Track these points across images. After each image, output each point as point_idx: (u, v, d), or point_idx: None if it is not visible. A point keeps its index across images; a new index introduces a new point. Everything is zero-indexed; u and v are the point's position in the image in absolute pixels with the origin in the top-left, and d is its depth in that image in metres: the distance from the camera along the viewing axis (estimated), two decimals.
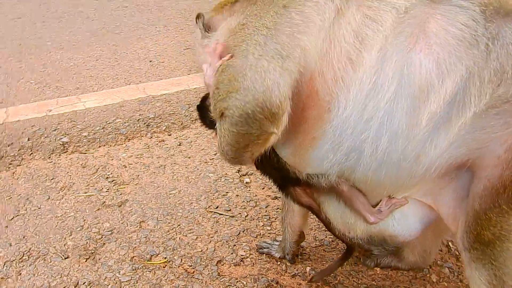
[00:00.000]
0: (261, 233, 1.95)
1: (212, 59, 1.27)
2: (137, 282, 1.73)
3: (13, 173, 2.42)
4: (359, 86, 1.09)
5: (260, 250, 1.83)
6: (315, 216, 1.47)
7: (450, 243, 1.82)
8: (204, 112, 1.54)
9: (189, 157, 2.49)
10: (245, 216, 2.06)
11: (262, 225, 2.01)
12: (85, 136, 2.68)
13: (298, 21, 1.14)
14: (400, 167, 1.11)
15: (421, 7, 1.09)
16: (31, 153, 2.56)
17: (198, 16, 1.41)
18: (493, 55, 1.01)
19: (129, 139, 2.67)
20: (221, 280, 1.72)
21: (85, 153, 2.56)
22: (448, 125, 1.04)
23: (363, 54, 1.08)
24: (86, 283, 1.74)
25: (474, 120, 1.02)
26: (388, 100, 1.06)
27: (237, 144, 1.22)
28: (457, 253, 1.77)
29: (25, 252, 1.91)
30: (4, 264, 1.86)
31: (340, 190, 1.23)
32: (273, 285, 1.70)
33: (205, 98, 1.57)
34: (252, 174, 2.33)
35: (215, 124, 1.31)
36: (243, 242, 1.90)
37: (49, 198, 2.23)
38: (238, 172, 2.35)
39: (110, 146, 2.61)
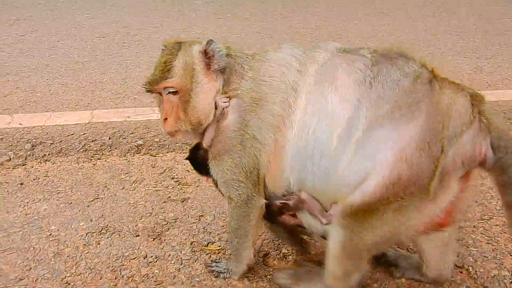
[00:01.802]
0: None
1: None
2: (195, 261, 2.04)
3: (94, 164, 2.83)
4: (295, 123, 1.45)
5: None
6: None
7: (470, 268, 2.04)
8: (197, 162, 1.80)
9: None
10: None
11: None
12: (157, 141, 3.07)
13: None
14: (329, 177, 1.43)
15: (334, 58, 1.48)
16: (110, 150, 2.97)
17: None
18: (373, 89, 1.37)
19: None
20: (266, 269, 2.00)
21: (155, 156, 2.95)
22: (348, 139, 1.37)
23: (296, 98, 1.46)
24: (153, 256, 2.07)
25: (366, 131, 1.36)
26: (315, 126, 1.41)
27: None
28: (476, 276, 1.98)
29: (103, 227, 2.27)
30: (86, 234, 2.22)
31: (303, 201, 1.53)
32: None
33: (194, 149, 1.81)
34: None
35: (210, 171, 1.66)
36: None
37: (123, 188, 2.61)
38: None
39: (177, 152, 2.98)
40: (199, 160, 1.78)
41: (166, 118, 1.59)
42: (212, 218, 2.36)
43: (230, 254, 1.92)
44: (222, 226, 2.30)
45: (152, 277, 1.97)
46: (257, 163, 1.51)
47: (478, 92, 1.46)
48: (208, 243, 2.18)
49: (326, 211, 1.53)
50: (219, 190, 1.75)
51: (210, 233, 2.25)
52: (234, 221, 1.67)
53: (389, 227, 1.43)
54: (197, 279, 1.94)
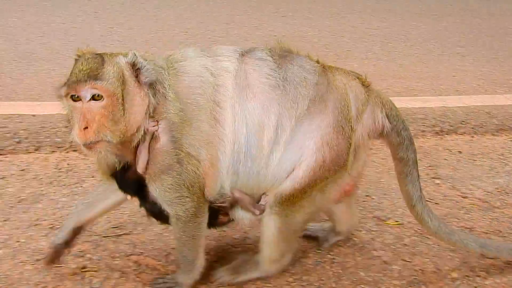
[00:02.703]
0: None
1: None
2: (382, 234, 2.14)
3: None
4: (224, 136, 1.52)
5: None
6: None
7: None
8: (123, 181, 1.66)
9: None
10: None
11: None
12: None
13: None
14: (261, 176, 1.55)
15: (242, 66, 1.54)
16: None
17: None
18: (288, 91, 1.50)
19: None
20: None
21: None
22: (277, 142, 1.50)
23: (222, 112, 1.51)
24: None
25: (292, 131, 1.49)
26: (244, 138, 1.51)
27: None
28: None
29: None
30: None
31: (235, 198, 1.62)
32: None
33: (122, 169, 1.64)
34: None
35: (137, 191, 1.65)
36: None
37: None
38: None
39: None
40: (126, 179, 1.67)
41: (87, 127, 1.42)
42: (378, 198, 2.43)
43: (178, 268, 1.80)
44: (390, 205, 2.37)
45: None
46: (197, 177, 1.53)
47: (359, 73, 1.66)
48: (387, 218, 2.25)
49: (258, 203, 1.65)
50: (148, 214, 1.74)
51: (382, 210, 2.31)
52: (185, 235, 1.63)
53: (316, 204, 1.62)
54: None
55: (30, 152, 2.66)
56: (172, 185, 1.51)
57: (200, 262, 1.71)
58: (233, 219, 1.71)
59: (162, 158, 1.49)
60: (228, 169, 1.54)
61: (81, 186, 2.37)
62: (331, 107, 1.49)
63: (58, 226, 2.02)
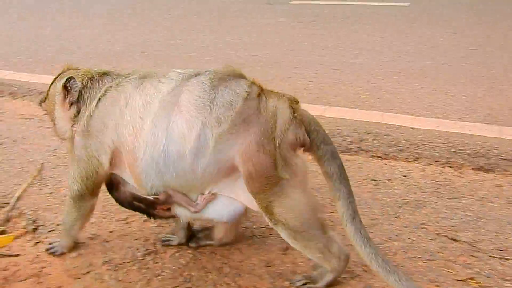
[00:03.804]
0: None
1: None
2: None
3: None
4: (146, 143, 1.70)
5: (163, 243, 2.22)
6: None
7: None
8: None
9: None
10: None
11: None
12: None
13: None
14: (189, 179, 1.71)
15: (179, 87, 1.70)
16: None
17: None
18: (214, 109, 1.63)
19: None
20: None
21: None
22: (201, 153, 1.64)
23: (143, 123, 1.71)
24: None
25: (215, 146, 1.63)
26: (162, 144, 1.67)
27: None
28: None
29: None
30: None
31: (170, 196, 1.80)
32: None
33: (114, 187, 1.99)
34: None
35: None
36: None
37: None
38: None
39: None
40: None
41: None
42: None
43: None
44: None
45: None
46: (95, 175, 1.87)
47: (293, 96, 1.76)
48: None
49: (195, 202, 1.80)
50: (123, 206, 2.04)
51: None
52: (67, 208, 2.03)
53: (291, 205, 1.68)
54: None
55: (409, 161, 2.94)
56: (74, 166, 1.89)
57: (74, 234, 2.13)
58: (174, 215, 1.91)
59: (76, 148, 1.87)
60: (151, 172, 1.73)
61: (460, 202, 2.50)
62: (254, 128, 1.63)
63: (445, 235, 2.22)
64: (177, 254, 2.14)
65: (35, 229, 2.33)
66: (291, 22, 7.32)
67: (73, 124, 1.87)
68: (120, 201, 2.00)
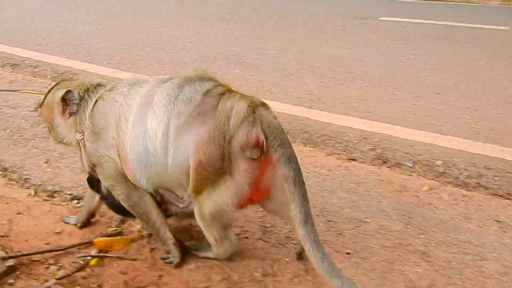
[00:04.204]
0: None
1: None
2: None
3: None
4: (131, 143, 1.84)
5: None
6: None
7: None
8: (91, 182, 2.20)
9: None
10: None
11: None
12: None
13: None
14: (167, 175, 1.84)
15: (154, 88, 1.87)
16: None
17: None
18: (176, 104, 1.79)
19: None
20: None
21: None
22: (167, 147, 1.78)
23: (127, 124, 1.85)
24: None
25: (174, 138, 1.78)
26: (142, 142, 1.81)
27: None
28: None
29: None
30: None
31: (161, 194, 1.95)
32: None
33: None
34: None
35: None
36: None
37: None
38: None
39: None
40: (92, 181, 2.18)
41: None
42: None
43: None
44: None
45: None
46: (116, 171, 1.92)
47: (262, 100, 1.88)
48: None
49: (181, 198, 1.93)
50: (108, 207, 2.24)
51: None
52: (133, 212, 2.03)
53: (215, 199, 1.80)
54: None
55: None
56: (102, 176, 1.98)
57: (167, 235, 2.10)
58: (172, 213, 2.04)
59: (91, 157, 1.97)
60: (137, 169, 1.86)
61: None
62: (208, 122, 1.74)
63: None
64: (295, 279, 2.06)
65: (150, 235, 2.33)
66: (383, 39, 7.12)
67: (76, 132, 2.01)
68: (113, 205, 2.14)
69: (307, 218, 1.72)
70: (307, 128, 3.61)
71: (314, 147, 3.44)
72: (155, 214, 2.00)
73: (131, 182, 1.92)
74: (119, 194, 1.96)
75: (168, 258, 2.13)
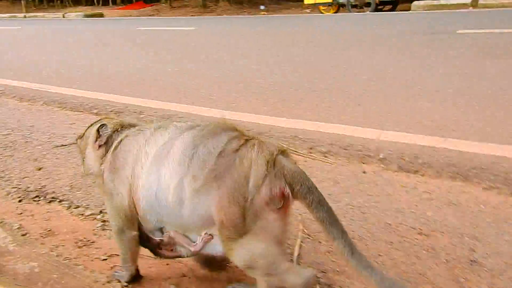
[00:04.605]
0: None
1: None
2: None
3: None
4: (144, 188, 1.91)
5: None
6: None
7: None
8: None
9: None
10: None
11: None
12: None
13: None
14: (180, 223, 1.89)
15: (171, 140, 1.91)
16: None
17: None
18: (191, 166, 1.80)
19: None
20: None
21: None
22: (182, 203, 1.81)
23: (142, 171, 1.92)
24: None
25: (192, 199, 1.80)
26: (154, 192, 1.87)
27: None
28: None
29: None
30: None
31: (172, 238, 1.96)
32: None
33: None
34: None
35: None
36: None
37: None
38: None
39: None
40: None
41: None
42: None
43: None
44: None
45: None
46: (123, 208, 1.98)
47: (281, 147, 1.84)
48: None
49: (193, 242, 1.92)
50: None
51: None
52: (117, 243, 2.14)
53: (254, 250, 1.77)
54: None
55: None
56: (108, 206, 2.06)
57: (129, 266, 2.19)
58: (179, 255, 2.01)
59: (104, 188, 2.05)
60: (150, 213, 1.92)
61: None
62: (225, 184, 1.74)
63: None
64: None
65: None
66: (464, 53, 6.69)
67: (101, 163, 2.11)
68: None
69: (352, 249, 1.75)
70: (451, 161, 3.27)
71: (466, 181, 3.09)
72: (132, 255, 2.17)
73: (130, 222, 2.04)
74: (114, 225, 2.07)
75: (118, 274, 2.29)
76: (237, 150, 1.79)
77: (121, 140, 2.05)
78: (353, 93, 5.21)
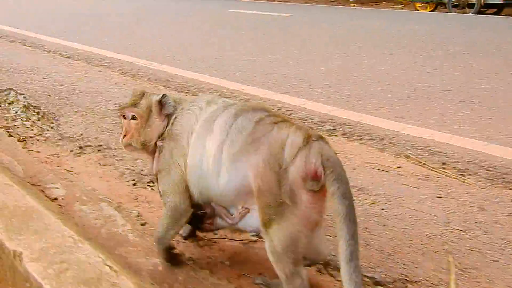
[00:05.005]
0: None
1: None
2: None
3: None
4: (191, 156, 1.97)
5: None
6: None
7: None
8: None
9: None
10: None
11: None
12: None
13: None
14: (218, 194, 1.92)
15: (216, 111, 1.99)
16: None
17: None
18: (230, 133, 1.88)
19: None
20: None
21: None
22: (221, 171, 1.86)
23: (192, 137, 2.00)
24: None
25: (230, 164, 1.85)
26: (199, 158, 1.93)
27: None
28: None
29: None
30: None
31: (213, 208, 2.02)
32: None
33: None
34: None
35: None
36: None
37: None
38: None
39: None
40: None
41: (126, 135, 2.16)
42: None
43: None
44: None
45: None
46: (181, 180, 1.99)
47: (320, 133, 1.86)
48: None
49: (231, 214, 1.97)
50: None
51: None
52: (163, 219, 2.08)
53: (286, 231, 1.77)
54: None
55: None
56: (162, 180, 2.06)
57: (166, 242, 2.13)
58: (218, 228, 2.08)
59: (161, 162, 2.07)
60: (194, 182, 1.96)
61: None
62: (262, 149, 1.79)
63: None
64: None
65: None
66: None
67: (162, 133, 2.11)
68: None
69: (352, 258, 1.68)
70: None
71: None
72: (176, 230, 2.13)
73: (185, 196, 2.02)
74: (169, 202, 2.04)
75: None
76: (275, 122, 1.87)
77: (179, 112, 2.10)
78: (492, 106, 4.68)
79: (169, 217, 2.05)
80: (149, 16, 12.45)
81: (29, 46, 7.64)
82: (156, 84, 5.36)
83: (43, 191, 2.89)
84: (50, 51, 7.27)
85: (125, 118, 2.19)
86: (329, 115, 4.29)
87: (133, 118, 2.15)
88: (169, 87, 5.23)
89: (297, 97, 4.84)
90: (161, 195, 2.12)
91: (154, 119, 2.13)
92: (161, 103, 2.12)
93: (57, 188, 2.92)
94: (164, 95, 2.13)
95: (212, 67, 6.21)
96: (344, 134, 3.85)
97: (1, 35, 8.61)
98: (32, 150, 3.57)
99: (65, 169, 3.19)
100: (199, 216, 2.07)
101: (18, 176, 3.02)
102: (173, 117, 2.10)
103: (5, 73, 5.76)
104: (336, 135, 3.82)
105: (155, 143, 2.13)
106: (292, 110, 4.40)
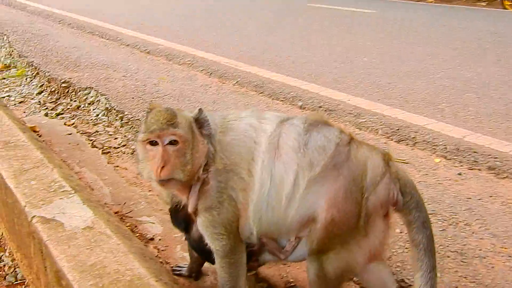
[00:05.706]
0: None
1: None
2: None
3: None
4: (257, 186, 1.67)
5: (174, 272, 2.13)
6: None
7: None
8: (177, 220, 1.92)
9: None
10: None
11: None
12: None
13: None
14: (281, 224, 1.68)
15: (276, 128, 1.72)
16: None
17: None
18: (306, 154, 1.64)
19: None
20: None
21: None
22: (294, 197, 1.63)
23: (255, 166, 1.68)
24: None
25: (305, 189, 1.63)
26: (267, 190, 1.65)
27: None
28: None
29: None
30: None
31: (265, 244, 1.77)
32: None
33: (175, 209, 1.86)
34: None
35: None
36: None
37: None
38: None
39: None
40: (178, 216, 1.89)
41: (164, 166, 1.63)
42: None
43: None
44: None
45: None
46: (235, 217, 1.70)
47: (387, 151, 1.73)
48: None
49: (283, 248, 1.75)
50: (192, 248, 1.98)
51: None
52: (224, 271, 1.77)
53: (342, 260, 1.64)
54: None
55: None
56: (212, 222, 1.70)
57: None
58: (261, 264, 1.89)
59: (209, 198, 1.70)
60: (254, 216, 1.67)
61: None
62: (343, 174, 1.60)
63: None
64: None
65: None
66: None
67: (207, 160, 1.72)
68: (191, 240, 1.92)
69: None
70: None
71: None
72: (241, 280, 1.80)
73: (239, 238, 1.75)
74: (224, 245, 1.73)
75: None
76: (349, 142, 1.70)
77: (223, 131, 1.77)
78: None
79: (230, 264, 1.77)
80: (223, 11, 11.96)
81: (107, 39, 7.34)
82: (247, 88, 4.79)
83: (136, 226, 2.39)
84: (128, 45, 6.91)
85: (153, 145, 1.68)
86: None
87: (172, 143, 1.67)
88: (261, 93, 4.64)
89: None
90: (196, 240, 1.85)
91: (198, 142, 1.72)
92: (199, 121, 1.74)
93: (153, 223, 2.41)
94: (200, 111, 1.75)
95: (307, 71, 5.52)
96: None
97: (79, 26, 8.39)
98: (118, 167, 3.11)
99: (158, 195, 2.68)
100: (247, 254, 1.84)
101: (107, 204, 2.54)
102: (215, 138, 1.75)
103: (84, 69, 5.42)
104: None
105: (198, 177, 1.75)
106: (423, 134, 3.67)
